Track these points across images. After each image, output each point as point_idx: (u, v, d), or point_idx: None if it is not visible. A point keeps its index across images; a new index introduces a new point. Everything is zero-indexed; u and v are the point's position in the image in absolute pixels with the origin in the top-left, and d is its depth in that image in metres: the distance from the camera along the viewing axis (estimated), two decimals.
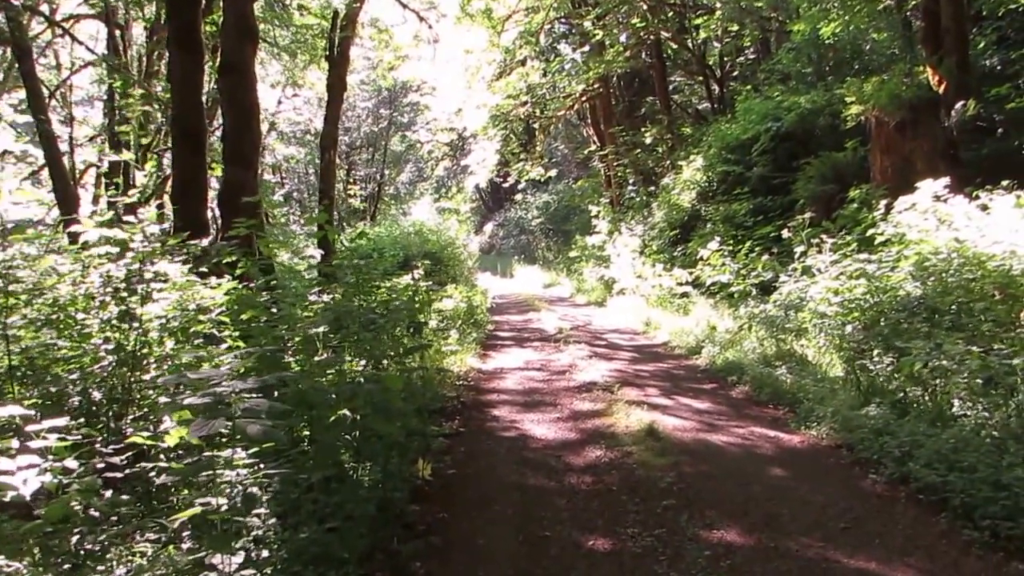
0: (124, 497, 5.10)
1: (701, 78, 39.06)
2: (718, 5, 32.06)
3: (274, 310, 8.35)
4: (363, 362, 8.97)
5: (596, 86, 36.26)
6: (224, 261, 9.18)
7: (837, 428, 9.33)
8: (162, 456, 5.91)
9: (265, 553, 5.14)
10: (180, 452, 5.93)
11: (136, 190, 10.42)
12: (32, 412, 5.59)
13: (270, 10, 29.52)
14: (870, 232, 13.32)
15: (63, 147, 26.42)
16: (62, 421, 4.91)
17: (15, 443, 4.97)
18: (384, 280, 12.41)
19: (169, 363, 7.13)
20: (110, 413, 6.85)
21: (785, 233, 16.63)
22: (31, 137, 26.24)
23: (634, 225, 29.75)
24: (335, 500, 6.05)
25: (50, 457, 4.69)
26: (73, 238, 9.59)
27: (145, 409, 6.96)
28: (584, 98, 38.18)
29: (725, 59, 37.81)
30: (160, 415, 5.49)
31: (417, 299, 13.31)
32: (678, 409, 11.39)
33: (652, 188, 32.53)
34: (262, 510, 5.30)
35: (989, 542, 6.20)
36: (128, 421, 6.75)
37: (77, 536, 4.77)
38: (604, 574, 6.18)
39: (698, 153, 28.52)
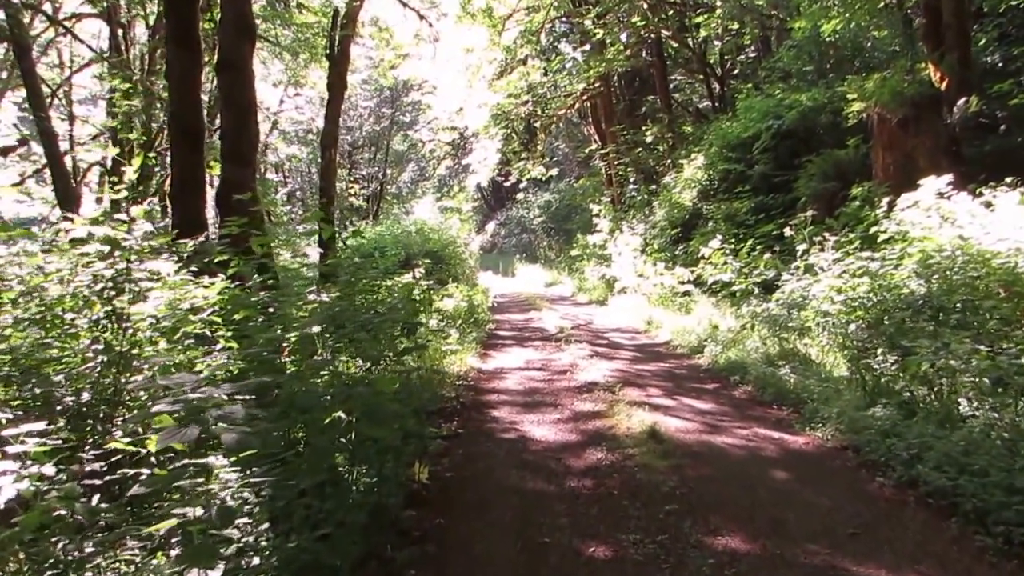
0: (104, 505, 4.95)
1: (702, 76, 39.11)
2: (718, 3, 32.04)
3: (271, 309, 8.27)
4: (360, 363, 8.89)
5: (597, 85, 36.26)
6: (217, 260, 9.07)
7: (843, 429, 9.17)
8: (153, 460, 5.79)
9: (256, 561, 5.00)
10: (164, 458, 5.77)
11: (124, 186, 10.22)
12: (8, 415, 5.49)
13: (271, 9, 29.50)
14: (873, 230, 13.21)
15: (65, 146, 26.37)
16: (40, 425, 4.79)
17: None
18: (382, 279, 12.32)
19: (159, 364, 6.99)
20: (100, 415, 6.72)
21: (787, 231, 16.56)
22: (34, 134, 26.16)
23: (635, 224, 29.71)
24: (327, 506, 5.88)
25: (28, 462, 4.58)
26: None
27: (135, 412, 6.84)
28: (585, 97, 38.17)
29: (725, 57, 37.82)
30: (132, 422, 5.32)
31: (412, 298, 13.21)
32: (680, 410, 11.23)
33: (653, 187, 32.53)
34: (243, 520, 5.15)
35: (1003, 549, 6.04)
36: (118, 424, 6.63)
37: (60, 544, 4.64)
38: None
39: (699, 151, 28.49)
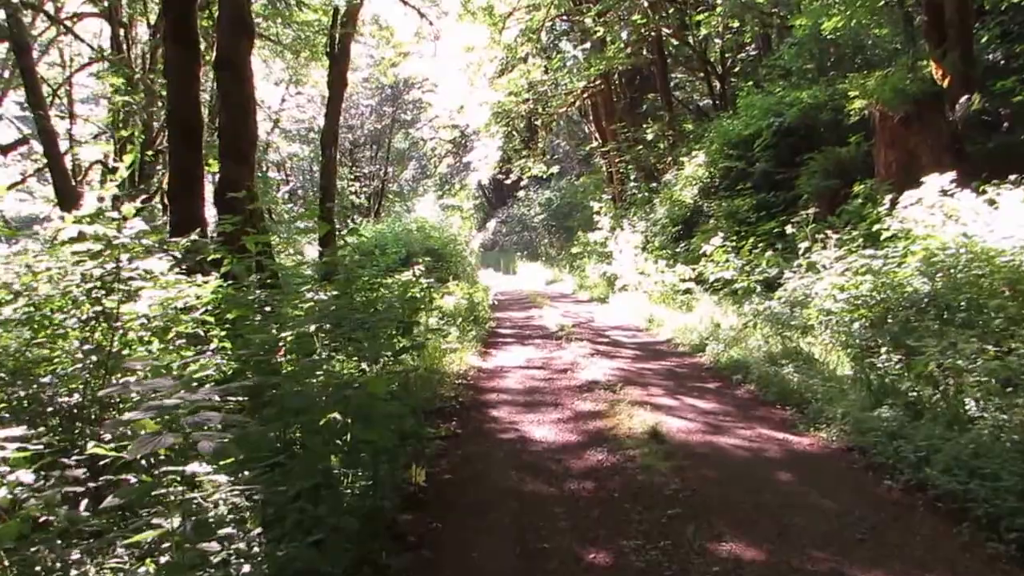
0: (85, 513, 4.82)
1: (702, 74, 39.10)
2: (719, 1, 31.89)
3: (267, 308, 8.17)
4: (360, 363, 8.79)
5: (597, 83, 36.29)
6: (211, 259, 8.98)
7: (848, 430, 9.05)
8: (144, 464, 5.67)
9: (246, 568, 4.88)
10: (153, 463, 5.64)
11: (116, 182, 10.14)
12: None
13: (271, 7, 29.44)
14: (875, 227, 13.16)
15: (65, 145, 26.33)
16: (18, 431, 4.68)
17: None
18: (382, 277, 12.25)
19: (145, 366, 6.86)
20: (91, 417, 6.61)
21: (789, 229, 16.44)
22: (35, 133, 26.12)
23: (636, 221, 29.58)
24: (320, 511, 5.73)
25: (6, 468, 4.48)
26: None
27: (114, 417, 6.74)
28: (586, 95, 38.21)
29: (726, 55, 37.70)
30: (106, 430, 5.18)
31: (409, 297, 13.13)
32: (682, 410, 11.10)
33: (654, 184, 32.43)
34: (230, 530, 5.03)
35: (1016, 556, 5.90)
36: (106, 427, 6.52)
37: (44, 551, 4.52)
38: None
39: (700, 149, 28.38)
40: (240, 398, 6.19)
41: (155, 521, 4.42)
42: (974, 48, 18.03)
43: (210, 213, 14.15)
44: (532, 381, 13.87)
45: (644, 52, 36.81)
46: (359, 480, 6.89)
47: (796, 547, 6.30)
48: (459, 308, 21.27)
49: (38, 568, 4.39)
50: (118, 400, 6.58)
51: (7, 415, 5.85)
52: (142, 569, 4.60)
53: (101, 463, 5.28)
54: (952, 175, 12.40)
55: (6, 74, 28.74)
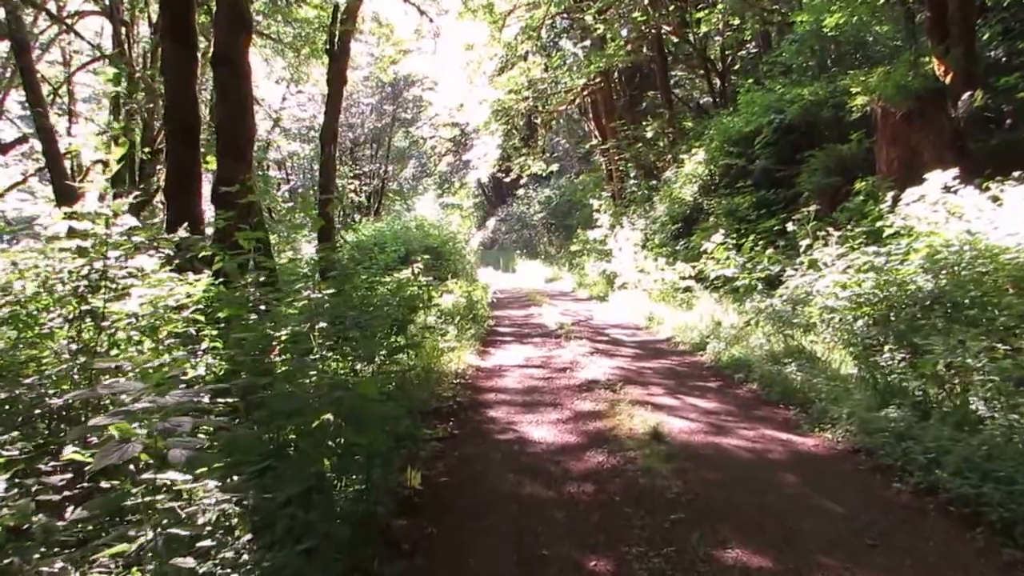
0: (60, 524, 4.62)
1: (703, 72, 38.97)
2: None
3: (263, 307, 8.07)
4: (351, 362, 8.68)
5: (597, 80, 36.27)
6: (201, 256, 8.87)
7: (853, 431, 8.92)
8: (132, 468, 5.52)
9: None
10: (140, 467, 5.48)
11: (103, 178, 10.02)
12: None
13: (271, 4, 29.40)
14: (878, 225, 13.07)
15: (66, 143, 26.24)
16: None
17: None
18: (380, 275, 12.16)
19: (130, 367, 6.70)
20: (80, 420, 6.46)
21: (790, 226, 16.35)
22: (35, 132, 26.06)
23: (636, 219, 29.59)
24: (311, 516, 5.56)
25: None
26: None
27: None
28: (585, 92, 38.17)
29: (726, 53, 37.60)
30: (69, 439, 4.99)
31: (404, 295, 13.03)
32: (684, 409, 10.97)
33: (654, 182, 32.42)
34: (208, 542, 4.88)
35: None
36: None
37: (12, 564, 4.35)
38: None
39: (700, 146, 28.35)
40: (230, 400, 6.09)
41: (132, 533, 4.27)
42: (976, 45, 17.95)
43: (211, 213, 14.07)
44: (531, 380, 13.75)
45: (644, 50, 36.80)
46: (353, 484, 6.76)
47: (804, 553, 6.16)
48: (458, 306, 21.21)
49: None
50: (108, 402, 6.42)
51: None
52: None
53: (87, 468, 5.13)
54: (955, 172, 12.32)
55: (8, 73, 28.67)
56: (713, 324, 16.44)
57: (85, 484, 4.97)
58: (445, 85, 57.33)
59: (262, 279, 8.63)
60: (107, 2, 26.47)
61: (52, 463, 5.28)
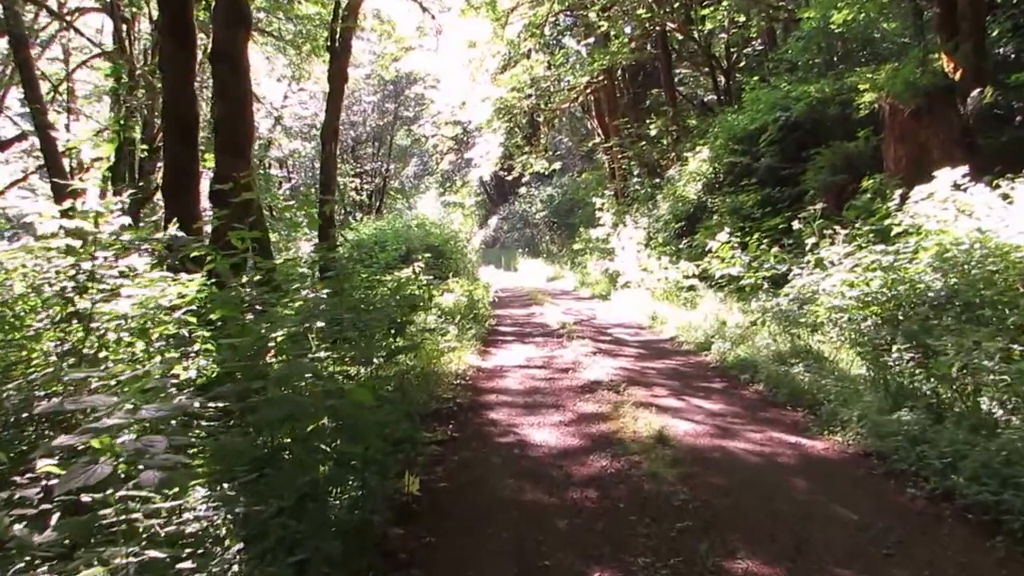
0: (36, 539, 4.40)
1: (707, 69, 38.79)
2: None
3: (258, 308, 7.87)
4: (349, 366, 8.48)
5: (601, 78, 36.18)
6: (192, 255, 8.68)
7: (865, 434, 8.69)
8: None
9: None
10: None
11: (96, 175, 9.88)
12: None
13: (273, 0, 29.29)
14: (886, 223, 12.92)
15: (64, 140, 26.14)
16: None
17: None
18: (380, 274, 12.01)
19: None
20: (66, 425, 6.24)
21: (796, 224, 16.23)
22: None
23: (639, 217, 29.47)
24: (303, 527, 5.35)
25: None
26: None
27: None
28: (589, 90, 38.06)
29: (731, 50, 37.46)
30: (37, 455, 4.75)
31: (402, 295, 12.86)
32: (689, 411, 10.75)
33: (657, 180, 32.27)
34: (188, 563, 4.64)
35: None
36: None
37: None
38: None
39: (704, 144, 28.15)
40: (220, 404, 5.91)
41: (109, 552, 4.04)
42: (985, 41, 17.82)
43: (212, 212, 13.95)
44: (533, 381, 13.54)
45: (648, 47, 36.69)
46: (348, 492, 6.54)
47: (817, 564, 5.92)
48: (459, 306, 21.07)
49: None
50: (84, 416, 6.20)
51: None
52: None
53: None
54: (964, 169, 12.18)
55: (8, 71, 28.61)
56: (718, 324, 16.27)
57: (64, 497, 4.72)
58: (447, 83, 57.28)
59: (257, 279, 8.43)
60: None
61: (28, 475, 5.05)
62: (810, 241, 14.78)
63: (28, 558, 4.15)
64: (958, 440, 7.42)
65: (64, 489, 3.77)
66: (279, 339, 7.16)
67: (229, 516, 5.14)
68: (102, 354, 6.88)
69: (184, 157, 12.33)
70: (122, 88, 24.73)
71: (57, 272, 6.95)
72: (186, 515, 4.85)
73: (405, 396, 10.36)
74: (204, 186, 14.25)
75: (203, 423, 6.20)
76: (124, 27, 26.61)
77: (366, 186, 61.44)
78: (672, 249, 24.63)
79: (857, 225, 13.80)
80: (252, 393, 5.91)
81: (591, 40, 36.56)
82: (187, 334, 7.55)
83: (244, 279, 8.30)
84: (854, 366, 11.23)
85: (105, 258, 7.08)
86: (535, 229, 62.14)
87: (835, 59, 28.37)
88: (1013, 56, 19.82)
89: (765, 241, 17.39)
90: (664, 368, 14.25)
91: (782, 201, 20.90)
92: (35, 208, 7.12)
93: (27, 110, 28.14)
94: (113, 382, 5.78)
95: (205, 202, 14.31)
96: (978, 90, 15.96)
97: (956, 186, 11.99)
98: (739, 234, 18.67)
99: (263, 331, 6.93)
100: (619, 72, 39.75)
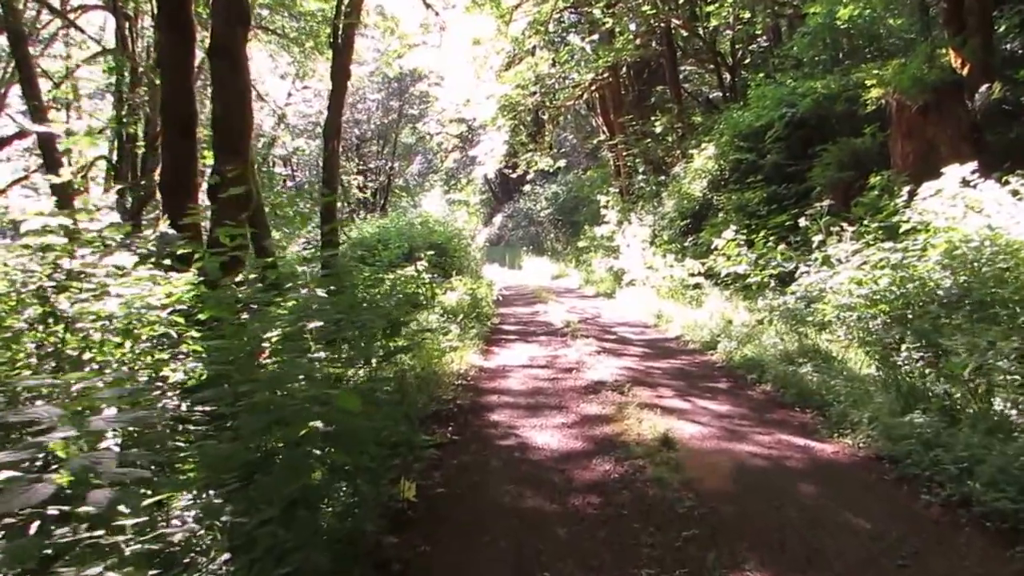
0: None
1: (712, 66, 38.69)
2: None
3: (253, 306, 7.70)
4: (339, 368, 8.27)
5: (605, 75, 36.09)
6: (179, 252, 8.50)
7: (875, 436, 8.46)
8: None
9: None
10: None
11: (71, 169, 9.70)
12: None
13: None
14: (894, 220, 12.78)
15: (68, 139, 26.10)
16: None
17: None
18: (380, 272, 11.87)
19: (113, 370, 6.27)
20: (46, 432, 6.06)
21: (802, 222, 16.11)
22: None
23: (644, 215, 29.41)
24: (291, 536, 5.10)
25: None
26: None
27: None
28: (593, 87, 37.95)
29: (737, 47, 37.37)
30: None
31: (398, 294, 12.70)
32: (695, 413, 10.55)
33: (662, 177, 32.19)
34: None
35: None
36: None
37: None
38: None
39: (709, 141, 28.05)
40: (207, 408, 5.73)
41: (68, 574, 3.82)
42: (993, 37, 17.69)
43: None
44: (535, 381, 13.36)
45: (653, 44, 36.61)
46: (340, 498, 6.33)
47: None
48: (461, 304, 20.92)
49: None
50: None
51: None
52: None
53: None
54: (973, 165, 12.06)
55: (10, 68, 28.56)
56: (724, 322, 16.12)
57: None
58: (451, 80, 57.24)
59: (252, 276, 8.25)
60: None
61: None
62: (817, 238, 14.67)
63: None
64: (974, 444, 7.18)
65: (5, 510, 3.54)
66: (273, 340, 6.99)
67: (218, 524, 4.98)
68: (87, 355, 6.70)
69: (183, 154, 12.18)
70: (122, 84, 24.68)
71: (33, 272, 6.76)
72: (174, 522, 4.68)
73: (405, 397, 10.20)
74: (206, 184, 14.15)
75: (190, 428, 6.01)
76: (126, 24, 26.56)
77: (370, 184, 61.48)
78: (677, 247, 24.57)
79: (865, 222, 13.70)
80: (241, 397, 5.72)
81: (596, 37, 36.45)
82: (175, 335, 7.35)
83: (240, 277, 8.14)
84: (863, 366, 11.04)
85: (84, 256, 6.89)
86: (540, 227, 62.09)
87: (841, 55, 28.23)
88: (1021, 52, 19.71)
89: (771, 239, 17.22)
90: (669, 368, 14.09)
91: (788, 198, 20.79)
92: (19, 205, 6.95)
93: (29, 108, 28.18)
94: (99, 384, 5.62)
95: (206, 200, 14.20)
96: (986, 85, 15.86)
97: (965, 182, 11.88)
98: (745, 231, 18.56)
99: (256, 331, 6.77)
100: (624, 69, 39.69)
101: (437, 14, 32.23)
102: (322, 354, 7.32)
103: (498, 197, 75.50)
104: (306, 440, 5.78)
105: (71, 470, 3.67)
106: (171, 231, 9.10)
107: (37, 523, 3.98)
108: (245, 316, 7.44)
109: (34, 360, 6.38)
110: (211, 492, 4.91)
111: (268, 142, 48.24)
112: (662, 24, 34.17)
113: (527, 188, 63.74)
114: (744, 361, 13.24)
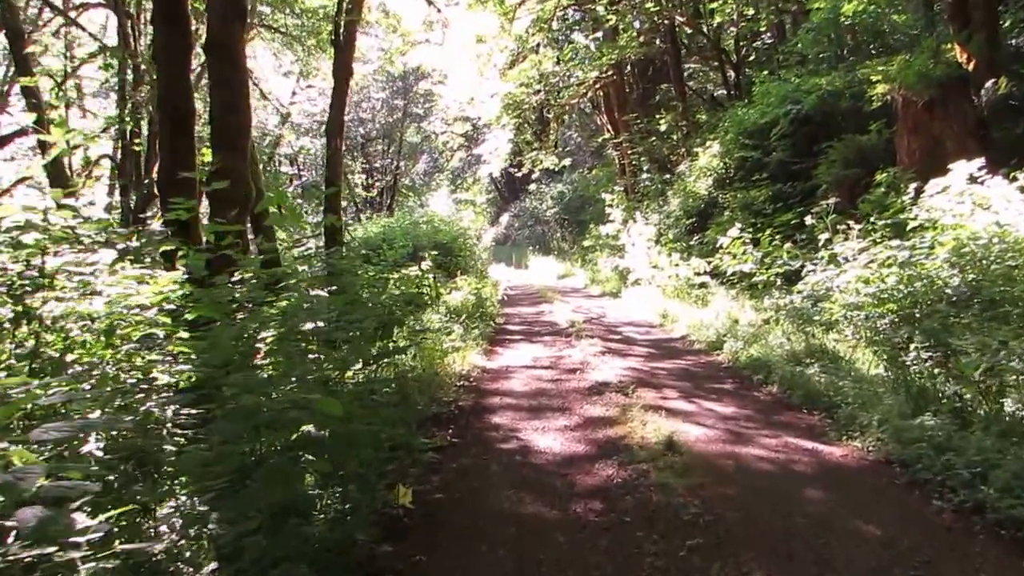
0: None
1: (716, 63, 38.74)
2: None
3: (248, 306, 7.54)
4: (342, 368, 8.11)
5: (610, 73, 36.02)
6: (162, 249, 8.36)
7: (885, 439, 8.21)
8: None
9: None
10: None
11: (43, 162, 9.54)
12: None
13: None
14: (901, 217, 12.68)
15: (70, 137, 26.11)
16: None
17: None
18: (385, 271, 11.75)
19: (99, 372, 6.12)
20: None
21: (808, 220, 16.05)
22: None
23: (649, 214, 29.39)
24: (280, 545, 4.91)
25: None
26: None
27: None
28: (598, 86, 37.93)
29: (741, 44, 37.27)
30: None
31: (390, 295, 12.57)
32: (700, 415, 10.34)
33: (667, 176, 32.19)
34: None
35: None
36: None
37: None
38: None
39: (714, 139, 28.02)
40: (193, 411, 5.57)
41: None
42: (999, 32, 17.58)
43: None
44: (539, 382, 13.17)
45: (657, 41, 36.54)
46: (331, 506, 6.16)
47: None
48: (466, 304, 20.80)
49: None
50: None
51: None
52: None
53: None
54: (980, 162, 11.99)
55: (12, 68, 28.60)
56: (730, 322, 15.94)
57: None
58: (455, 79, 57.36)
59: (247, 276, 8.07)
60: None
61: None
62: (823, 236, 14.65)
63: None
64: (987, 447, 6.96)
65: None
66: (268, 340, 6.84)
67: (206, 532, 4.82)
68: (70, 357, 6.54)
69: (180, 149, 12.03)
70: (125, 82, 24.67)
71: (3, 269, 6.59)
72: (164, 528, 4.54)
73: (405, 399, 10.05)
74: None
75: (176, 432, 5.86)
76: (128, 22, 26.52)
77: (376, 183, 61.58)
78: (683, 246, 24.47)
79: (871, 220, 13.66)
80: (228, 400, 5.55)
81: (599, 34, 36.42)
82: (162, 335, 7.18)
83: (237, 276, 7.97)
84: (871, 366, 10.85)
85: (58, 253, 6.73)
86: (546, 226, 62.14)
87: (845, 52, 28.14)
88: None
89: (777, 237, 17.14)
90: (674, 368, 13.91)
91: (794, 196, 20.68)
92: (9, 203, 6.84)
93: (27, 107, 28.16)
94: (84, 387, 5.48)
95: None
96: (992, 81, 15.77)
97: (972, 179, 11.83)
98: (751, 230, 18.49)
99: (245, 332, 6.61)
100: (628, 67, 39.64)
101: (439, 11, 32.21)
102: (312, 356, 7.14)
103: (504, 196, 75.56)
104: (296, 445, 5.62)
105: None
106: (162, 228, 8.95)
107: None
108: (241, 316, 7.28)
109: (13, 362, 6.21)
110: (195, 499, 4.74)
111: (273, 141, 48.28)
112: (666, 21, 34.16)
113: (533, 187, 63.85)
114: (750, 361, 13.04)
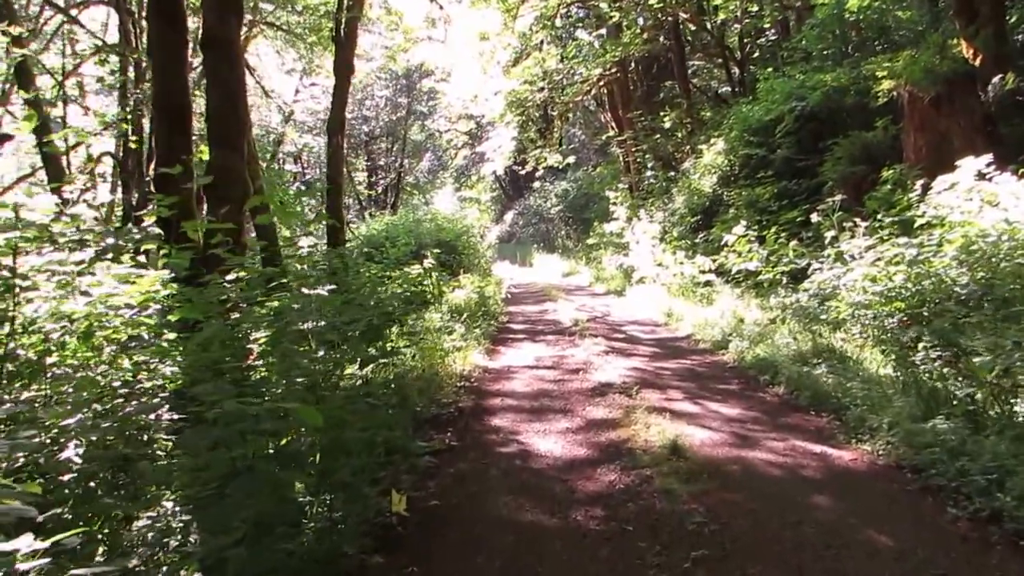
0: None
1: (721, 60, 38.60)
2: None
3: (243, 305, 7.37)
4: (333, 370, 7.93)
5: (613, 70, 36.04)
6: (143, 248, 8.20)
7: (896, 443, 7.99)
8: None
9: None
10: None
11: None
12: None
13: None
14: (908, 214, 12.56)
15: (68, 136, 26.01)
16: None
17: None
18: (388, 269, 11.61)
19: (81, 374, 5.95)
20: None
21: (814, 217, 15.91)
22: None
23: (654, 211, 29.31)
24: (263, 558, 4.70)
25: None
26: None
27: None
28: (601, 83, 37.92)
29: (745, 40, 37.16)
30: None
31: (383, 295, 12.41)
32: (705, 417, 10.14)
33: (672, 173, 32.09)
34: None
35: None
36: None
37: None
38: None
39: (719, 136, 27.91)
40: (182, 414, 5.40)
41: None
42: (1006, 27, 17.44)
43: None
44: (541, 383, 13.01)
45: (661, 38, 36.39)
46: (323, 514, 5.97)
47: None
48: (468, 302, 20.65)
49: None
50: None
51: None
52: None
53: None
54: (988, 158, 11.88)
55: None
56: (735, 321, 15.78)
57: None
58: (458, 76, 57.24)
59: (241, 275, 7.90)
60: None
61: None
62: (829, 234, 14.56)
63: None
64: (1002, 452, 6.73)
65: None
66: (262, 341, 6.67)
67: (190, 541, 4.65)
68: (49, 360, 6.36)
69: (176, 147, 11.88)
70: (126, 80, 24.62)
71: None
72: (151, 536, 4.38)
73: (404, 401, 9.89)
74: None
75: (161, 437, 5.68)
76: (129, 19, 26.43)
77: (380, 181, 61.59)
78: (687, 243, 24.40)
79: (878, 217, 13.54)
80: (207, 407, 5.36)
81: (603, 31, 36.30)
82: (147, 337, 6.99)
83: (232, 276, 7.79)
84: (880, 367, 10.61)
85: (27, 252, 6.55)
86: (550, 224, 62.20)
87: (850, 48, 28.00)
88: None
89: (783, 235, 17.07)
90: (679, 368, 13.74)
91: (799, 193, 20.56)
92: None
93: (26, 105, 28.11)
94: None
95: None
96: (999, 76, 15.63)
97: (980, 175, 11.73)
98: (756, 228, 18.42)
99: (240, 333, 6.44)
100: (632, 64, 39.66)
101: (441, 8, 32.17)
102: (304, 359, 6.93)
103: (509, 194, 75.55)
104: (278, 456, 5.42)
105: None
106: (154, 227, 8.79)
107: None
108: (235, 316, 7.11)
109: None
110: (177, 509, 4.56)
111: (276, 139, 48.23)
112: (669, 18, 34.03)
113: (537, 185, 63.79)
114: (756, 361, 12.85)
